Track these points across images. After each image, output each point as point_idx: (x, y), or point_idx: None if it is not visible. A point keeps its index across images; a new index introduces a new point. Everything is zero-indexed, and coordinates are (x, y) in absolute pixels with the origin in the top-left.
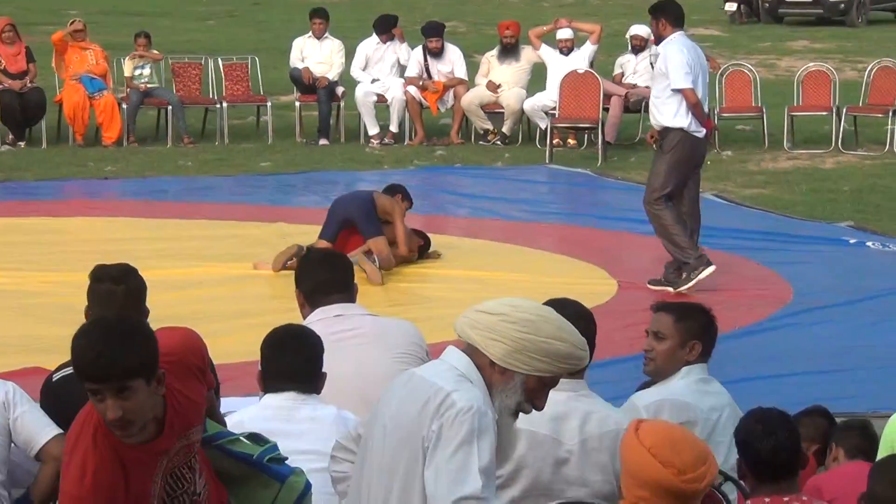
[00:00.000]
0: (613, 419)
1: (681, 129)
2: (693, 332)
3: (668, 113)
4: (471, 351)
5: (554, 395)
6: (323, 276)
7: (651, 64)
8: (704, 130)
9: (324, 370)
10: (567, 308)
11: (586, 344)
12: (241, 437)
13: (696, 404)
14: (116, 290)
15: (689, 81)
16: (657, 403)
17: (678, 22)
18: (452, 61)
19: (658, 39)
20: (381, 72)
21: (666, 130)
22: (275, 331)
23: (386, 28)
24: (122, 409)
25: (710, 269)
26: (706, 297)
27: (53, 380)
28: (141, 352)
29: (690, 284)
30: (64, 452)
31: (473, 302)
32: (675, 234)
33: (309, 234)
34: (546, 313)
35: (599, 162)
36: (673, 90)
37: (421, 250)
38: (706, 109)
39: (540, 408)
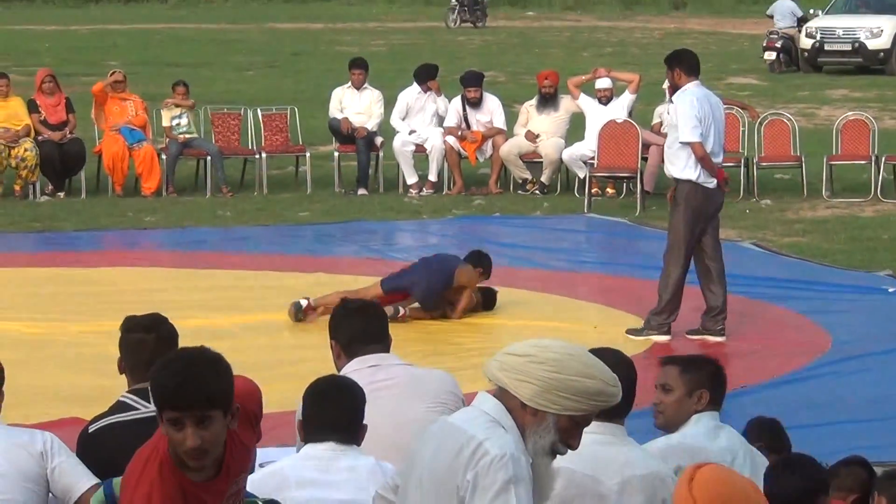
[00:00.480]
0: (655, 462)
1: (689, 181)
2: (699, 381)
3: (678, 164)
4: (501, 394)
5: (593, 437)
6: (359, 327)
7: (667, 113)
8: (715, 181)
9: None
10: (607, 356)
11: (617, 380)
12: (259, 501)
13: (708, 447)
14: (147, 338)
15: (698, 135)
16: (668, 449)
17: (693, 71)
18: (491, 111)
19: (674, 89)
20: (422, 121)
21: (676, 182)
22: (318, 381)
23: (426, 77)
24: (202, 438)
25: (665, 338)
26: (746, 346)
27: (90, 430)
28: (222, 382)
29: (638, 338)
30: (124, 488)
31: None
32: (668, 291)
33: (348, 285)
34: (573, 351)
35: (638, 211)
36: (681, 143)
37: (487, 303)
38: (720, 159)
39: (574, 447)
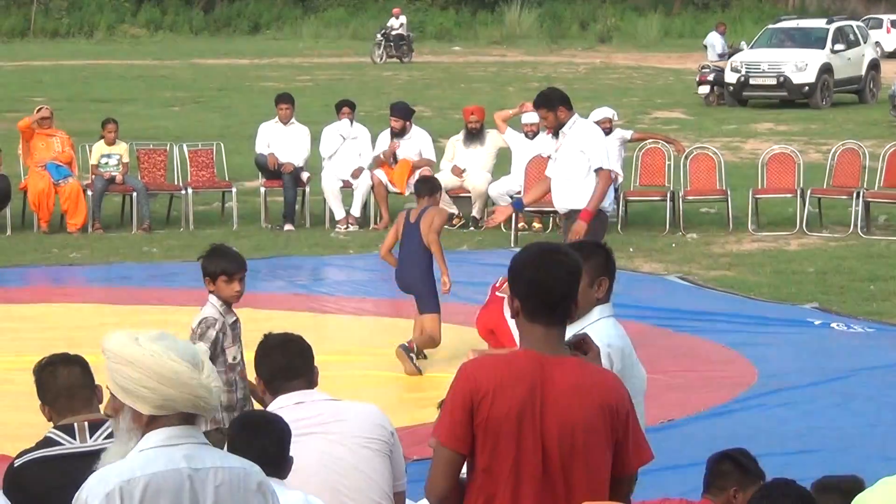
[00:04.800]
0: None
1: (599, 210)
2: (598, 268)
3: (585, 195)
4: None
5: None
6: (281, 362)
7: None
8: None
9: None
10: None
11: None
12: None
13: (625, 347)
14: (61, 370)
15: (609, 164)
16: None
17: (571, 105)
18: (420, 144)
19: (558, 126)
20: (348, 154)
21: (573, 213)
22: (242, 415)
23: (341, 106)
24: None
25: None
26: (671, 377)
27: (16, 465)
28: None
29: None
30: None
31: (436, 383)
32: None
33: (276, 321)
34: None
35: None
36: (596, 170)
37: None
38: None
39: None
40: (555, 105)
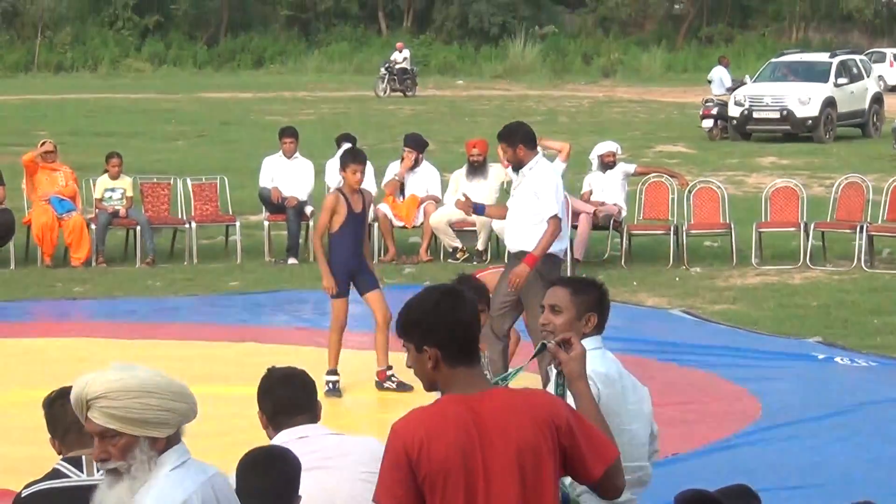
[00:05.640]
0: None
1: (548, 254)
2: (589, 304)
3: (535, 238)
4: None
5: None
6: (284, 396)
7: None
8: (563, 248)
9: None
10: None
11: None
12: None
13: (611, 373)
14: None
15: (561, 210)
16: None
17: (533, 144)
18: (428, 181)
19: (517, 164)
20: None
21: (521, 255)
22: (251, 452)
23: (343, 140)
24: None
25: None
26: (675, 411)
27: (23, 495)
28: None
29: None
30: None
31: None
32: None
33: (279, 355)
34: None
35: None
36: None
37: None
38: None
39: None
40: (515, 142)
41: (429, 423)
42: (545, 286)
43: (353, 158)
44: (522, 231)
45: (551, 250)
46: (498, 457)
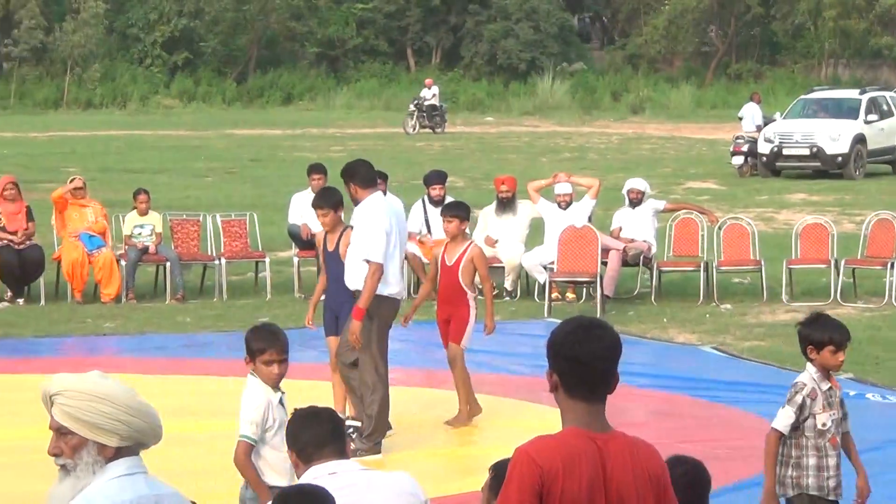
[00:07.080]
0: None
1: (379, 295)
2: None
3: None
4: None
5: None
6: (313, 433)
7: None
8: (397, 289)
9: None
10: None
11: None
12: None
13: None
14: None
15: (381, 255)
16: None
17: (369, 182)
18: None
19: (354, 202)
20: None
21: (358, 293)
22: (283, 490)
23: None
24: None
25: (377, 457)
26: (705, 447)
27: None
28: None
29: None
30: None
31: (471, 455)
32: (374, 408)
33: (306, 391)
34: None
35: (598, 315)
36: (364, 260)
37: None
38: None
39: None
40: (346, 181)
41: (564, 454)
42: (380, 326)
43: (316, 201)
44: (355, 270)
45: (385, 293)
46: (619, 501)
